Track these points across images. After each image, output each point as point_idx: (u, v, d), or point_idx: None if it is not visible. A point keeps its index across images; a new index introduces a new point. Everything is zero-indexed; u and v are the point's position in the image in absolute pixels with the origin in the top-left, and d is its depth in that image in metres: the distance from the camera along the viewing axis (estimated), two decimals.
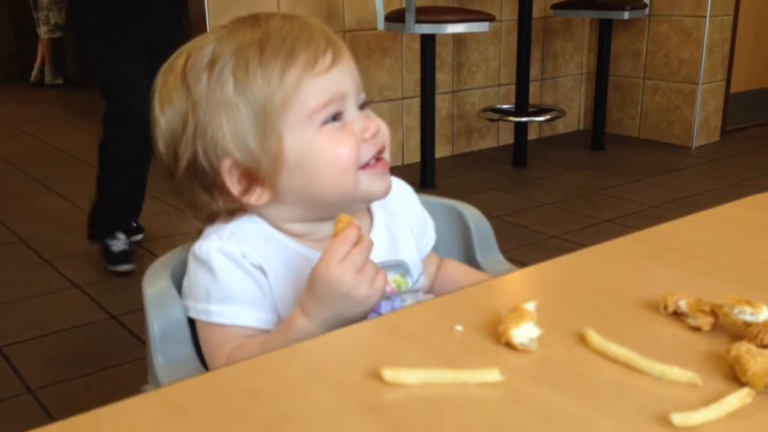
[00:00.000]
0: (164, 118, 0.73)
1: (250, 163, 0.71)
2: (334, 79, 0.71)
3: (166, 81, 0.74)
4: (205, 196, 0.73)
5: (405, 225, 0.84)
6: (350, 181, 0.72)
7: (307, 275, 0.69)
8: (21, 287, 2.19)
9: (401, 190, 0.87)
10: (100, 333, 1.90)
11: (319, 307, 0.66)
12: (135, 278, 2.19)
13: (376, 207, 0.82)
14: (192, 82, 0.71)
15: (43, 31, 5.90)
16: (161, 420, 0.47)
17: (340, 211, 0.69)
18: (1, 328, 1.93)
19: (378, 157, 0.74)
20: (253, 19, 0.73)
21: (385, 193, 0.76)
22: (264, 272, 0.72)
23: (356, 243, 0.65)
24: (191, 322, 0.75)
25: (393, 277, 0.78)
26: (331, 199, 0.73)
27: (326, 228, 0.75)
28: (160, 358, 0.73)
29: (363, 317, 0.67)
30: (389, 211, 0.83)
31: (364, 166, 0.73)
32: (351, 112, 0.73)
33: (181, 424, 0.46)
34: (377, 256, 0.70)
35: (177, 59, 0.74)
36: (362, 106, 0.75)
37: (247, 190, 0.72)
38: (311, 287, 0.66)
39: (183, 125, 0.71)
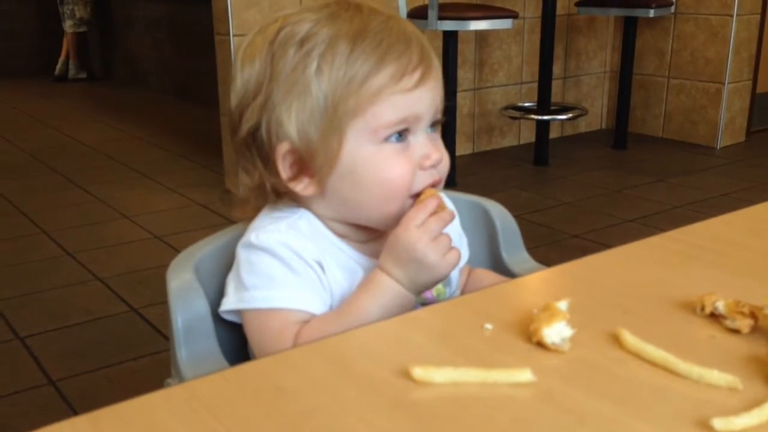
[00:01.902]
0: (241, 76, 0.72)
1: (305, 153, 0.70)
2: (414, 100, 0.69)
3: (254, 41, 0.72)
4: (259, 164, 0.73)
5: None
6: (395, 207, 0.71)
7: (357, 279, 0.72)
8: (43, 279, 2.20)
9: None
10: (122, 325, 1.91)
11: (395, 267, 0.68)
12: (155, 272, 2.20)
13: None
14: (278, 53, 0.69)
15: (68, 25, 5.96)
16: (188, 414, 0.46)
17: (379, 227, 0.71)
18: (23, 319, 1.94)
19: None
20: (356, 9, 0.71)
21: None
22: (323, 269, 0.72)
23: (434, 213, 0.68)
24: (215, 317, 0.75)
25: (435, 286, 0.77)
26: (370, 216, 0.73)
27: (364, 234, 0.76)
28: (183, 352, 0.73)
29: (434, 285, 0.71)
30: None
31: (414, 195, 0.71)
32: (419, 134, 0.71)
33: (208, 418, 0.46)
34: None
35: (271, 25, 0.72)
36: (434, 124, 0.73)
37: (295, 177, 0.72)
38: (389, 248, 0.69)
39: (255, 92, 0.70)
